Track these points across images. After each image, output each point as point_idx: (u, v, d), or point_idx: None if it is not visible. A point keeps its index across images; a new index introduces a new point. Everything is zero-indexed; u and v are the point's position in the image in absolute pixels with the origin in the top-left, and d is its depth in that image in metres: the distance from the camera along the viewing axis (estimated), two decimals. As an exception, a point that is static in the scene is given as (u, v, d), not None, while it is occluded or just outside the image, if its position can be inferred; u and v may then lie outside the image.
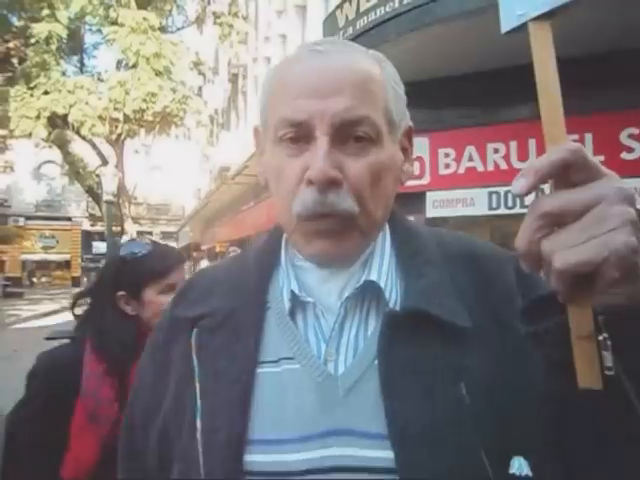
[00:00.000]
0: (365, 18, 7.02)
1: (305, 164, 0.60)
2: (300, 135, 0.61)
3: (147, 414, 0.70)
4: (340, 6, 7.72)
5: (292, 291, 0.66)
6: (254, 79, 18.44)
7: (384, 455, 0.55)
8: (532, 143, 6.73)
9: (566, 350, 0.46)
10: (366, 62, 0.64)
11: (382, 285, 0.64)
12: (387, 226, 0.71)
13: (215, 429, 0.60)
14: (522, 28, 0.50)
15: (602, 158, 6.74)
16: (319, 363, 0.62)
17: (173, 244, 37.17)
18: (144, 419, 0.70)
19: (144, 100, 12.43)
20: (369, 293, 0.65)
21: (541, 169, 0.43)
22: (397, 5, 6.50)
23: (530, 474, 0.53)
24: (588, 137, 6.78)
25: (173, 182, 34.49)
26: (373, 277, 0.64)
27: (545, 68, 0.47)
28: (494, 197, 7.19)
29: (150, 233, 33.89)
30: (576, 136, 6.77)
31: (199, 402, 0.62)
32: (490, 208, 7.25)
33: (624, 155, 6.66)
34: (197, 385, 0.63)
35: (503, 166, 7.19)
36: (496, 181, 7.06)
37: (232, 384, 0.61)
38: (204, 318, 0.67)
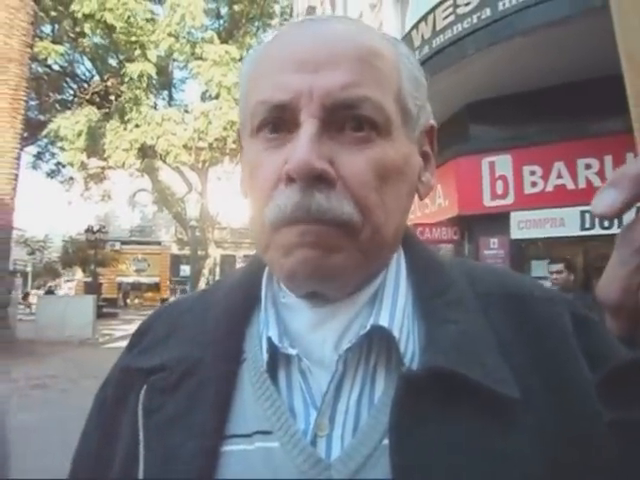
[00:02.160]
0: (442, 36, 6.85)
1: (286, 158, 0.44)
2: (282, 121, 0.46)
3: None
4: (415, 26, 7.63)
5: (269, 339, 0.48)
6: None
7: None
8: (630, 157, 6.16)
9: None
10: (373, 34, 0.50)
11: (396, 333, 0.47)
12: (402, 252, 0.54)
13: None
14: None
15: None
16: (305, 442, 0.44)
17: (255, 267, 38.28)
18: None
19: (225, 128, 12.96)
20: (377, 343, 0.47)
21: (637, 177, 0.29)
22: (475, 20, 6.29)
23: None
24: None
25: (255, 207, 35.54)
26: (383, 322, 0.47)
27: (632, 26, 0.32)
28: (587, 216, 6.65)
29: (233, 257, 35.08)
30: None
31: None
32: (583, 228, 6.71)
33: None
34: (140, 468, 0.46)
35: (597, 183, 6.65)
36: (589, 199, 6.43)
37: (187, 467, 0.44)
38: (158, 372, 0.50)
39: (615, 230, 6.14)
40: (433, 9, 7.09)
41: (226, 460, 0.45)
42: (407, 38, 8.05)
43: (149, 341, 0.55)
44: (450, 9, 6.76)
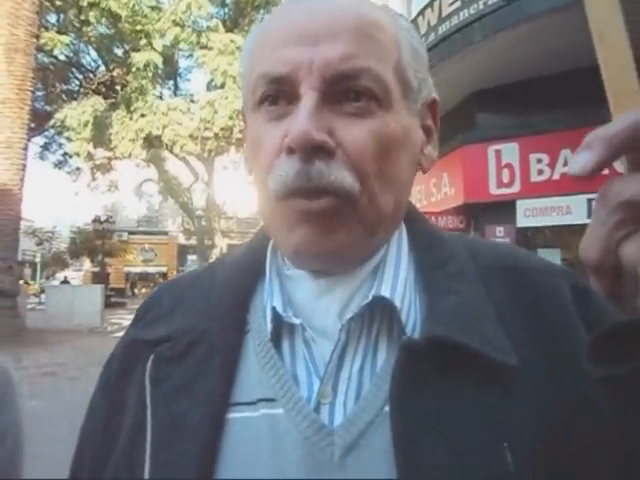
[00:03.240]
0: (448, 22, 6.80)
1: (287, 130, 0.45)
2: (283, 93, 0.47)
3: (95, 466, 0.54)
4: (421, 12, 7.57)
5: (274, 309, 0.49)
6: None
7: None
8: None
9: None
10: (372, 7, 0.50)
11: (397, 303, 0.48)
12: (404, 227, 0.55)
13: None
14: None
15: None
16: (309, 409, 0.45)
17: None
18: (92, 464, 0.54)
19: (231, 117, 12.95)
20: (379, 313, 0.49)
21: (615, 137, 0.30)
22: (482, 6, 6.23)
23: None
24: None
25: (261, 196, 35.62)
26: (385, 292, 0.48)
27: (603, 13, 0.34)
28: (594, 204, 6.62)
29: (240, 246, 35.17)
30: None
31: (148, 460, 0.46)
32: (589, 216, 6.66)
33: None
34: (148, 435, 0.47)
35: (604, 170, 6.61)
36: (596, 187, 6.47)
37: (193, 434, 0.46)
38: (163, 343, 0.51)
39: (622, 218, 6.11)
40: (439, -5, 7.04)
41: (231, 426, 0.46)
42: (413, 25, 7.96)
43: (154, 314, 0.57)
44: (456, -5, 6.70)
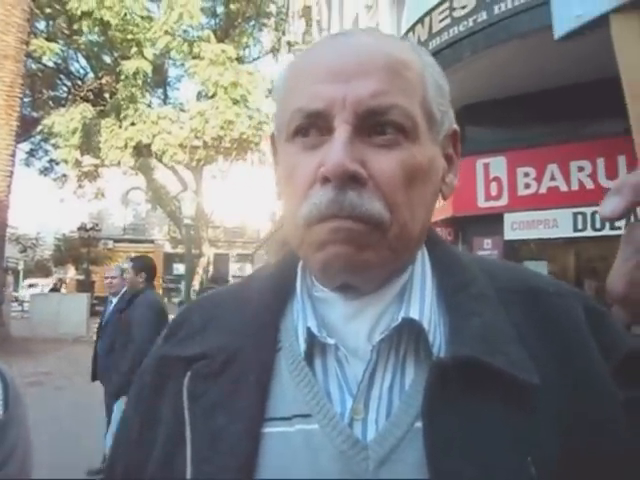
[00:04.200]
0: (438, 38, 6.91)
1: (321, 160, 0.49)
2: (317, 127, 0.50)
3: (129, 477, 0.56)
4: (412, 28, 7.68)
5: (309, 329, 0.52)
6: (327, 104, 18.74)
7: None
8: (622, 160, 6.26)
9: None
10: (399, 46, 0.54)
11: (425, 325, 0.51)
12: (425, 250, 0.58)
13: None
14: (580, 32, 0.42)
15: None
16: (343, 424, 0.48)
17: (249, 266, 38.13)
18: (126, 477, 0.57)
19: (222, 127, 12.96)
20: (406, 334, 0.51)
21: (637, 186, 0.34)
22: (471, 24, 6.36)
23: None
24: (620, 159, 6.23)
25: (249, 206, 35.53)
26: (414, 314, 0.51)
27: (632, 67, 0.38)
28: (580, 218, 6.74)
29: (227, 255, 34.99)
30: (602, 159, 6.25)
31: (189, 473, 0.49)
32: (575, 230, 6.79)
33: None
34: (188, 449, 0.50)
35: (589, 185, 6.74)
36: (582, 201, 6.62)
37: (232, 448, 0.48)
38: (199, 360, 0.54)
39: (606, 232, 6.23)
40: (429, 11, 7.14)
41: (268, 441, 0.49)
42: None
43: (186, 332, 0.59)
44: (446, 12, 6.81)
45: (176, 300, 31.13)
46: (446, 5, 6.75)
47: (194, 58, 13.73)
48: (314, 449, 0.48)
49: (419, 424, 0.47)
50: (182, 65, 16.13)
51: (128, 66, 13.60)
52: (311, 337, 0.52)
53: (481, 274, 0.56)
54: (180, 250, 26.61)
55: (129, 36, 13.79)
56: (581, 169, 6.80)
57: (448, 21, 6.77)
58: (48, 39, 15.14)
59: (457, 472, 0.44)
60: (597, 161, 6.63)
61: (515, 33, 5.76)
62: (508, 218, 7.39)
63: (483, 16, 6.17)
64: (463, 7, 6.48)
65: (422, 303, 0.53)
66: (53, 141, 15.80)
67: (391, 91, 0.49)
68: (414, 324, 0.51)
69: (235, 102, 13.16)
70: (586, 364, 0.50)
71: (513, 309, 0.53)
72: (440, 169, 0.55)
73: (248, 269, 38.66)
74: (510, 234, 7.36)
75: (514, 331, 0.51)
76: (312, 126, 0.51)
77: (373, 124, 0.49)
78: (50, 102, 18.73)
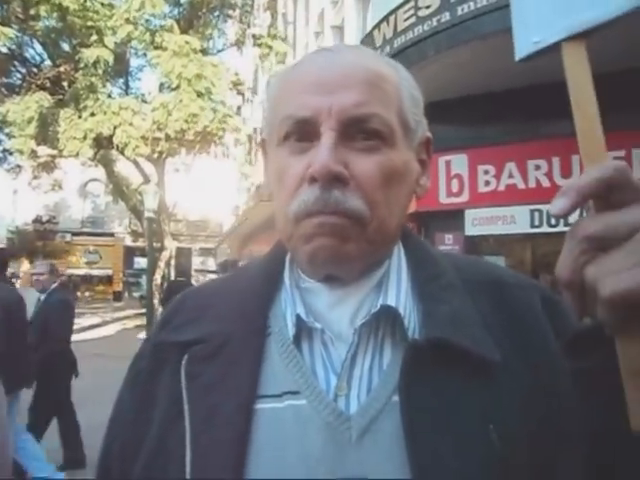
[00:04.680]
0: (403, 37, 7.03)
1: (309, 162, 0.54)
2: (305, 133, 0.56)
3: (125, 455, 0.61)
4: (377, 26, 7.78)
5: (298, 315, 0.58)
6: (292, 98, 18.70)
7: None
8: (575, 159, 6.55)
9: (615, 389, 0.42)
10: (378, 61, 0.60)
11: (401, 311, 0.57)
12: (401, 245, 0.64)
13: (207, 475, 0.52)
14: (537, 55, 0.49)
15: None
16: (328, 399, 0.54)
17: (211, 260, 37.77)
18: (122, 460, 0.61)
19: (186, 121, 12.76)
20: (384, 320, 0.57)
21: (584, 188, 0.40)
22: (435, 24, 6.50)
23: None
24: (636, 153, 6.55)
25: (211, 200, 35.20)
26: (391, 302, 0.57)
27: (580, 88, 0.45)
28: (536, 215, 7.02)
29: (189, 249, 34.59)
30: (623, 152, 6.56)
31: (189, 444, 0.54)
32: (532, 226, 7.07)
33: (673, 171, 6.40)
34: (187, 423, 0.55)
35: (545, 183, 7.02)
36: (538, 198, 6.89)
37: (227, 422, 0.53)
38: (195, 344, 0.59)
39: (560, 228, 6.51)
40: (395, 10, 7.26)
41: (260, 416, 0.54)
42: (369, 37, 8.18)
43: (180, 320, 0.64)
44: (411, 11, 6.94)
45: (137, 294, 30.69)
46: (411, 4, 6.87)
47: (156, 48, 13.43)
48: (303, 422, 0.53)
49: (396, 398, 0.53)
50: (144, 55, 15.77)
51: (88, 54, 13.18)
52: (299, 323, 0.58)
53: (450, 267, 0.63)
54: (141, 244, 26.14)
55: (89, 23, 13.35)
56: (538, 167, 7.08)
57: (413, 20, 6.90)
58: (2, 24, 14.54)
59: (430, 439, 0.50)
60: (553, 160, 6.91)
61: (477, 34, 5.93)
62: (469, 214, 7.62)
63: (446, 17, 6.32)
64: (427, 7, 6.62)
65: (398, 292, 0.59)
66: (7, 130, 15.21)
67: (371, 102, 0.55)
68: (391, 310, 0.57)
69: (199, 95, 12.96)
70: (543, 346, 0.57)
71: (478, 298, 0.60)
72: (414, 172, 0.62)
73: (211, 263, 38.28)
74: (471, 230, 7.60)
75: (479, 317, 0.58)
76: (301, 131, 0.56)
77: (355, 131, 0.55)
78: (3, 89, 18.01)
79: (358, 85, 0.55)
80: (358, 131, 0.55)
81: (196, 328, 0.61)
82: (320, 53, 0.61)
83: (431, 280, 0.60)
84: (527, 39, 0.49)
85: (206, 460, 0.53)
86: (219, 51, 17.94)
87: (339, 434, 0.52)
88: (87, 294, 32.87)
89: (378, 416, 0.53)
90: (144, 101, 15.21)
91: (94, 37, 13.63)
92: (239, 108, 22.43)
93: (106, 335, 14.94)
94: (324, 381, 0.56)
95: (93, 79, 13.63)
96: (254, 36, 16.27)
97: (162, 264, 16.99)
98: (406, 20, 7.00)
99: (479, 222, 7.55)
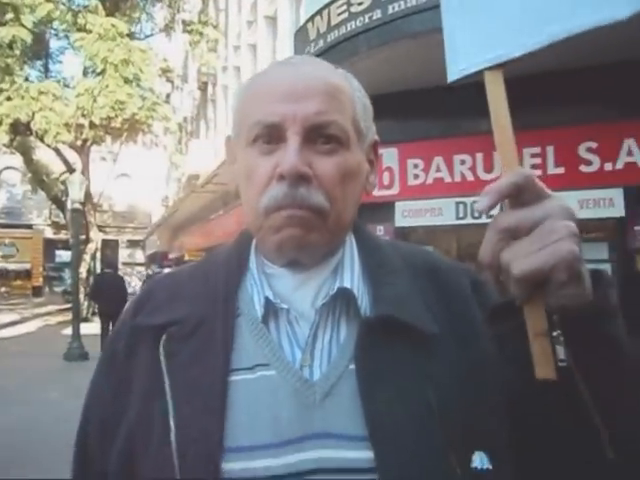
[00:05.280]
0: (336, 31, 7.15)
1: (276, 162, 0.62)
2: (273, 136, 0.63)
3: (105, 433, 0.66)
4: (311, 19, 7.85)
5: (267, 297, 0.65)
6: (224, 88, 18.43)
7: (363, 456, 0.57)
8: (497, 155, 6.95)
9: (525, 347, 0.52)
10: (335, 75, 0.68)
11: (355, 292, 0.65)
12: (353, 236, 0.72)
13: (191, 440, 0.58)
14: (465, 79, 0.59)
15: (562, 170, 7.05)
16: (295, 369, 0.62)
17: (140, 252, 36.51)
18: (101, 438, 0.67)
19: (112, 108, 12.25)
20: (340, 300, 0.65)
21: (501, 190, 0.51)
22: (367, 20, 6.67)
23: (490, 467, 0.57)
24: (550, 149, 7.06)
25: (139, 190, 33.97)
26: (347, 284, 0.66)
27: (499, 109, 0.55)
28: (461, 207, 7.41)
29: (116, 241, 33.22)
30: (538, 148, 7.05)
31: (172, 414, 0.60)
32: (457, 218, 7.45)
33: (582, 168, 6.96)
34: (168, 396, 0.61)
35: (470, 177, 7.41)
36: (463, 191, 7.27)
37: (206, 393, 0.60)
38: (172, 326, 0.65)
39: (483, 220, 6.91)
40: (328, 4, 7.35)
41: (235, 386, 0.61)
42: (303, 30, 8.24)
43: (152, 305, 0.70)
44: (344, 7, 7.07)
45: (59, 289, 29.12)
46: (344, 0, 6.99)
47: (80, 30, 12.77)
48: (273, 389, 0.61)
49: (352, 366, 0.61)
50: (66, 37, 14.96)
51: (3, 33, 12.32)
52: (267, 304, 0.65)
53: (394, 254, 0.72)
54: (64, 236, 24.85)
55: (4, 0, 12.52)
56: (463, 162, 7.47)
57: (345, 15, 7.03)
58: None
59: (380, 399, 0.59)
60: (476, 155, 7.32)
61: (407, 33, 6.15)
62: (399, 206, 7.92)
63: (378, 14, 6.51)
64: (360, 3, 6.77)
65: (352, 276, 0.67)
66: None
67: (330, 111, 0.63)
68: (346, 292, 0.65)
69: (127, 81, 12.48)
70: (471, 319, 0.68)
71: (419, 280, 0.69)
72: (365, 171, 0.70)
73: (139, 256, 37.03)
74: (401, 221, 7.90)
75: (420, 297, 0.67)
76: (269, 134, 0.63)
77: (316, 135, 0.63)
78: None
79: (319, 96, 0.63)
80: (319, 136, 0.63)
81: (171, 311, 0.67)
82: (283, 65, 0.69)
83: (379, 266, 0.69)
84: (456, 66, 0.59)
85: (189, 427, 0.59)
86: (147, 36, 17.33)
87: (305, 398, 0.60)
88: (3, 290, 30.87)
89: (337, 382, 0.61)
90: (66, 86, 14.46)
91: (10, 15, 12.76)
92: (168, 96, 21.80)
93: (27, 332, 14.16)
94: (290, 354, 0.63)
95: (9, 60, 12.78)
96: (184, 22, 15.86)
97: (87, 257, 16.30)
98: (339, 15, 7.12)
99: (409, 214, 7.87)
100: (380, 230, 7.83)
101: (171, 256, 26.05)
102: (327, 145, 0.63)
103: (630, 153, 6.75)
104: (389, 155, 7.76)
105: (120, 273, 14.63)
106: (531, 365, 0.52)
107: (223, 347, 0.63)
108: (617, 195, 6.78)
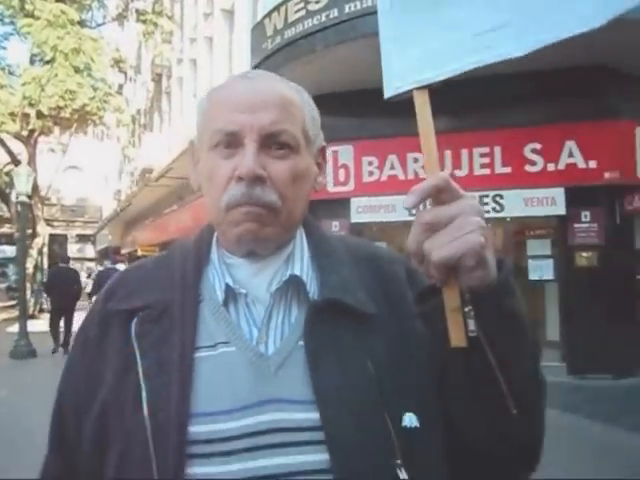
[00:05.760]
0: (293, 29, 7.21)
1: (235, 165, 0.70)
2: (232, 142, 0.71)
3: (80, 405, 0.74)
4: (268, 15, 7.86)
5: (227, 284, 0.74)
6: (179, 80, 18.08)
7: (311, 416, 0.65)
8: (447, 154, 7.22)
9: (443, 321, 0.63)
10: (288, 90, 0.76)
11: (304, 278, 0.75)
12: (303, 229, 0.81)
13: (161, 408, 0.66)
14: (400, 95, 0.69)
15: (509, 170, 7.38)
16: (252, 345, 0.70)
17: (90, 247, 35.40)
18: (77, 410, 0.74)
19: (62, 97, 11.84)
20: (292, 286, 0.74)
21: (423, 191, 0.62)
22: (324, 19, 6.76)
23: (418, 425, 0.67)
24: (497, 150, 7.37)
25: (90, 183, 32.93)
26: (297, 272, 0.75)
27: (425, 123, 0.66)
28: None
29: (65, 236, 32.12)
30: (487, 148, 7.35)
31: (144, 387, 0.67)
32: (410, 214, 7.57)
33: (528, 168, 7.31)
34: (140, 370, 0.69)
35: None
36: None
37: (174, 368, 0.68)
38: (141, 310, 0.73)
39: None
40: (285, 1, 7.40)
41: (199, 362, 0.69)
42: (260, 25, 8.23)
43: (123, 293, 0.78)
44: (301, 4, 7.13)
45: (2, 286, 27.83)
46: (301, -3, 7.04)
47: (27, 16, 12.27)
48: (233, 363, 0.70)
49: (301, 342, 0.70)
50: (11, 23, 14.33)
51: (-59, 16, 11.72)
52: (228, 290, 0.74)
53: (340, 245, 0.82)
54: (7, 230, 23.84)
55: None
56: (416, 160, 7.67)
57: (303, 13, 7.10)
58: None
59: (326, 370, 0.68)
60: (429, 154, 7.51)
61: (362, 32, 6.27)
62: (354, 203, 8.07)
63: (335, 13, 6.61)
64: (317, 2, 6.85)
65: (302, 264, 0.77)
66: None
67: (282, 121, 0.72)
68: (297, 279, 0.75)
69: (77, 70, 12.09)
70: (404, 301, 0.78)
71: (361, 268, 0.79)
72: (313, 173, 0.79)
73: (89, 251, 35.91)
74: (356, 217, 8.06)
75: (361, 282, 0.76)
76: (229, 141, 0.72)
77: (271, 142, 0.72)
78: None
79: (273, 108, 0.72)
80: (273, 142, 0.72)
81: (140, 298, 0.75)
82: (242, 79, 0.78)
83: (326, 256, 0.79)
84: (392, 83, 0.70)
85: (159, 396, 0.67)
86: (99, 25, 16.82)
87: (261, 369, 0.69)
88: (-59, 287, 29.27)
89: (289, 355, 0.70)
90: (11, 73, 13.86)
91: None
92: (121, 87, 21.23)
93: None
94: (248, 333, 0.72)
95: (-51, 45, 12.11)
96: (137, 11, 15.49)
97: (34, 252, 15.73)
98: (297, 12, 7.18)
99: (363, 210, 8.03)
100: (336, 226, 7.97)
101: (123, 251, 25.43)
102: (280, 151, 0.72)
103: (571, 154, 7.14)
104: (345, 152, 7.90)
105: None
106: (447, 335, 0.63)
107: (188, 328, 0.71)
108: (559, 194, 7.17)
